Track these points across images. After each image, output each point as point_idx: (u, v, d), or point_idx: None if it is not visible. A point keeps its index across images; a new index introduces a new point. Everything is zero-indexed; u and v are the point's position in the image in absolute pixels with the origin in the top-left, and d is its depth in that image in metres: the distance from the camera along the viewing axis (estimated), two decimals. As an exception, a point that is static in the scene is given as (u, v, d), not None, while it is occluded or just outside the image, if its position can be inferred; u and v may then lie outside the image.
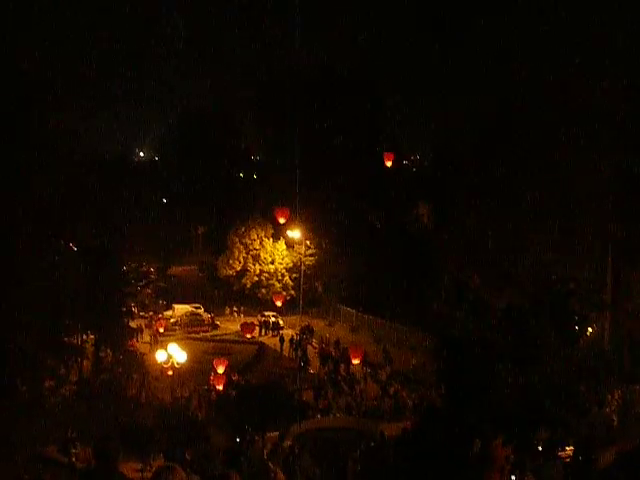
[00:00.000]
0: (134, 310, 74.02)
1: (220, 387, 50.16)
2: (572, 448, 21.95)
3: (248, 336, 70.16)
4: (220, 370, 51.81)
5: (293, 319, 77.54)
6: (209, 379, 54.39)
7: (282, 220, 74.17)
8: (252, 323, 72.76)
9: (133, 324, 67.57)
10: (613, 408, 40.59)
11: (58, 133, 46.52)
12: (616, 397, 42.69)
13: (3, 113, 41.55)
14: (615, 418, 38.85)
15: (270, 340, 73.38)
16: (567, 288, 21.17)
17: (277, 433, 40.90)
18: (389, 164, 67.40)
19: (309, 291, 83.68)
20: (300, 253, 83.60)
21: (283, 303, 76.24)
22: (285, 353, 67.27)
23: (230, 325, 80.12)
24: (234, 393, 48.85)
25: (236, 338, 73.87)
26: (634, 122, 50.93)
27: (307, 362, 62.91)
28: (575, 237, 51.87)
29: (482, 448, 20.35)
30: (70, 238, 53.77)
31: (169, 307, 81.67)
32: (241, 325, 72.18)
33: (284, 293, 78.38)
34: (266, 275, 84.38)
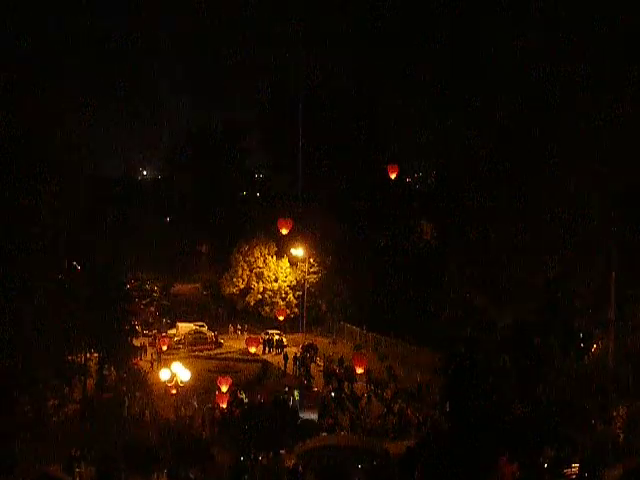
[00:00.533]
0: (138, 328, 73.96)
1: (224, 405, 50.08)
2: (578, 465, 21.93)
3: (252, 350, 70.04)
4: (224, 388, 51.76)
5: (297, 337, 77.50)
6: (213, 397, 54.36)
7: (285, 231, 74.12)
8: (257, 337, 72.71)
9: (137, 342, 67.41)
10: (619, 425, 40.49)
11: (64, 149, 46.64)
12: (621, 414, 42.60)
13: (12, 127, 41.71)
14: (621, 435, 38.74)
15: (274, 358, 73.28)
16: (572, 305, 21.26)
17: (281, 452, 40.89)
18: (393, 176, 67.42)
19: (313, 309, 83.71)
20: (303, 271, 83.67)
21: (285, 318, 76.16)
22: (289, 371, 67.15)
23: (234, 343, 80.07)
24: (238, 411, 48.76)
25: (240, 356, 73.82)
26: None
27: (311, 380, 62.84)
28: (579, 254, 51.80)
29: (488, 465, 20.35)
30: (74, 256, 53.79)
31: (173, 325, 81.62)
32: (246, 339, 72.15)
33: (287, 310, 78.24)
34: (269, 293, 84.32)
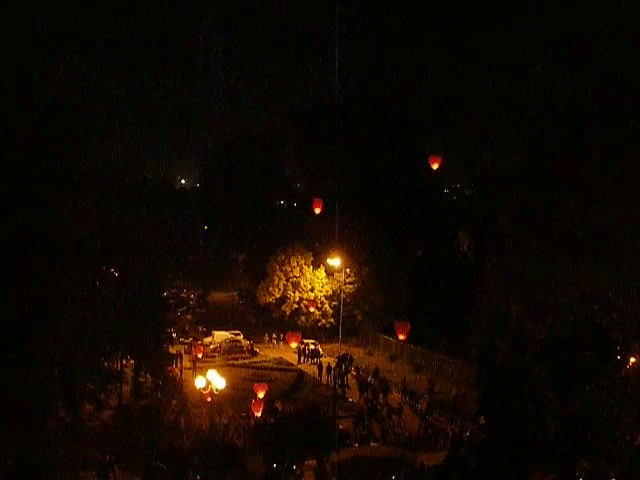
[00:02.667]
0: (174, 336, 74.34)
1: (259, 414, 50.13)
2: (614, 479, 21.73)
3: (293, 345, 69.58)
4: (260, 395, 51.86)
5: (332, 347, 77.49)
6: (248, 406, 54.47)
7: (317, 210, 74.32)
8: (298, 334, 72.51)
9: (172, 350, 67.75)
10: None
11: (103, 162, 47.09)
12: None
13: (49, 142, 42.02)
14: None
15: (309, 367, 73.35)
16: (609, 318, 21.13)
17: (315, 462, 40.90)
18: (435, 167, 66.51)
19: (348, 319, 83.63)
20: (340, 281, 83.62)
21: (299, 343, 74.66)
22: (324, 381, 67.12)
23: (269, 352, 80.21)
24: (273, 420, 48.81)
25: (275, 365, 73.97)
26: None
27: (346, 390, 62.85)
28: (616, 267, 51.52)
29: (522, 478, 20.24)
30: (112, 264, 54.11)
31: (208, 333, 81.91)
32: (288, 335, 71.68)
33: (299, 334, 77.07)
34: (305, 302, 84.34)
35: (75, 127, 43.50)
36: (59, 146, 42.38)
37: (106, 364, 52.10)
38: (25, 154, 40.01)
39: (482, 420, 22.02)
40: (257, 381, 56.62)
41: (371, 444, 48.60)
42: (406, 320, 57.26)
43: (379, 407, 56.81)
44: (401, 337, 55.87)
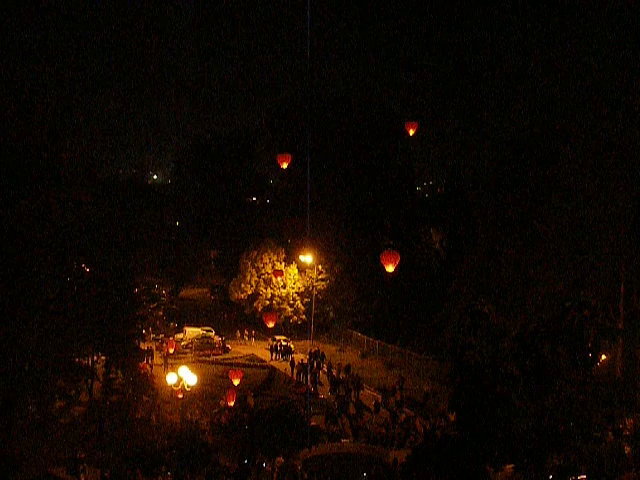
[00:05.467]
0: (145, 332, 74.08)
1: (232, 403, 50.14)
2: (584, 477, 21.90)
3: (270, 325, 69.33)
4: (235, 382, 52.08)
5: (304, 343, 77.55)
6: (219, 402, 54.51)
7: (284, 165, 69.32)
8: (274, 312, 72.45)
9: (144, 346, 67.54)
10: (625, 436, 40.42)
11: (74, 156, 46.70)
12: (628, 425, 42.57)
13: (21, 138, 41.75)
14: (628, 447, 38.65)
15: (281, 364, 73.38)
16: (581, 315, 21.25)
17: (286, 458, 40.92)
18: (412, 132, 65.08)
19: (320, 316, 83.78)
20: (312, 277, 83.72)
21: (275, 324, 75.02)
22: (296, 378, 67.17)
23: (241, 349, 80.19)
24: (245, 416, 48.76)
25: (247, 362, 73.97)
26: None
27: (317, 387, 62.92)
28: (588, 265, 51.88)
29: (493, 473, 20.37)
30: (83, 260, 53.83)
31: (180, 330, 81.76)
32: (264, 314, 71.42)
33: (275, 312, 77.50)
34: (277, 299, 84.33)
35: (49, 120, 43.33)
36: (31, 138, 42.17)
37: (77, 360, 51.80)
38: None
39: (453, 417, 22.08)
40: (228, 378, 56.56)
41: (342, 441, 48.61)
42: (395, 250, 50.52)
43: (351, 403, 56.87)
44: (389, 269, 48.96)
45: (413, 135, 64.42)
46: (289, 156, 67.24)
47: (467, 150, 75.08)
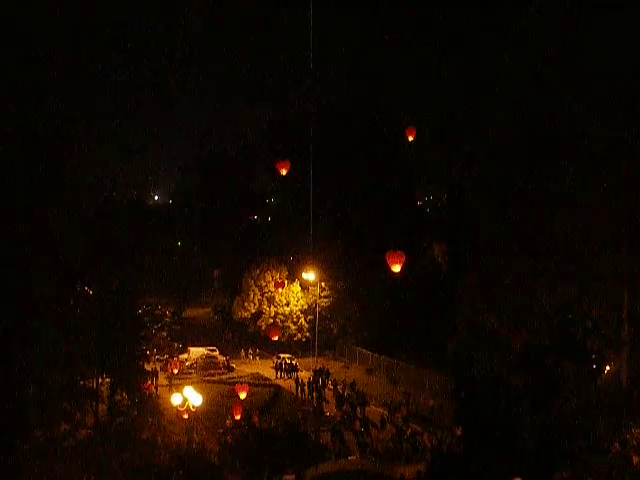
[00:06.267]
0: (149, 353, 73.95)
1: (238, 416, 50.18)
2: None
3: (274, 338, 69.86)
4: (242, 396, 52.31)
5: (309, 361, 77.43)
6: (225, 422, 54.39)
7: (283, 172, 66.96)
8: (276, 324, 72.98)
9: (148, 367, 67.40)
10: (632, 446, 40.24)
11: (77, 177, 46.75)
12: (635, 435, 42.37)
13: (28, 158, 41.84)
14: (635, 457, 38.49)
15: (286, 382, 73.27)
16: (584, 327, 21.23)
17: (293, 476, 40.78)
18: (410, 139, 64.40)
19: (324, 333, 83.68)
20: (315, 295, 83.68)
21: (279, 338, 75.67)
22: (302, 396, 67.03)
23: (245, 368, 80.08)
24: (250, 435, 48.64)
25: (252, 381, 73.76)
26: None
27: (323, 404, 62.75)
28: (592, 276, 51.71)
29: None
30: (87, 282, 53.81)
31: (184, 350, 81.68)
32: (267, 327, 72.16)
33: (279, 326, 78.15)
34: (281, 317, 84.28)
35: (55, 139, 43.43)
36: (40, 160, 42.26)
37: (81, 382, 51.69)
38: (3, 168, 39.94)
39: (459, 431, 22.04)
40: (234, 397, 56.45)
41: (349, 457, 48.44)
42: (399, 250, 48.92)
43: (356, 420, 56.72)
44: (396, 269, 47.77)
45: (413, 141, 64.15)
46: (288, 162, 66.48)
47: (468, 163, 74.60)
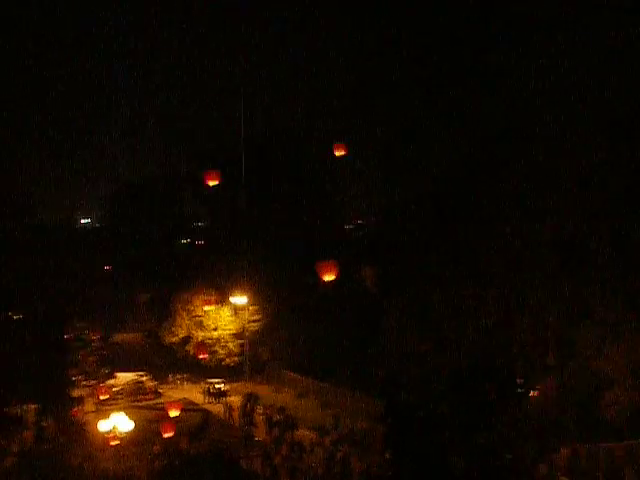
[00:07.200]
0: (76, 379, 73.15)
1: (170, 434, 50.04)
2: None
3: (201, 357, 70.41)
4: (172, 413, 52.58)
5: (238, 386, 77.23)
6: (153, 448, 54.02)
7: (212, 183, 65.37)
8: (204, 343, 73.75)
9: (75, 393, 66.70)
10: (561, 468, 40.95)
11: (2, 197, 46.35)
12: (563, 457, 43.11)
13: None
14: (563, 478, 39.18)
15: (215, 407, 72.99)
16: (509, 353, 21.63)
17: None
18: (339, 154, 63.66)
19: (254, 357, 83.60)
20: (244, 319, 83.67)
21: (208, 362, 76.53)
22: (231, 421, 66.88)
23: (173, 393, 79.46)
24: (179, 462, 48.38)
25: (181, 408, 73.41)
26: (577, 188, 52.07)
27: (253, 429, 62.63)
28: (518, 301, 52.52)
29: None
30: (12, 308, 53.26)
31: (112, 375, 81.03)
32: (195, 345, 76.74)
33: (207, 345, 78.85)
34: (209, 342, 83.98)
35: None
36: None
37: (7, 409, 51.06)
38: None
39: (388, 455, 22.24)
40: (162, 422, 56.12)
41: (279, 483, 48.43)
42: (330, 259, 49.86)
43: (286, 444, 56.69)
44: (330, 278, 48.72)
45: (340, 157, 64.13)
46: (218, 172, 64.97)
47: (395, 186, 75.11)
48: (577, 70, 56.28)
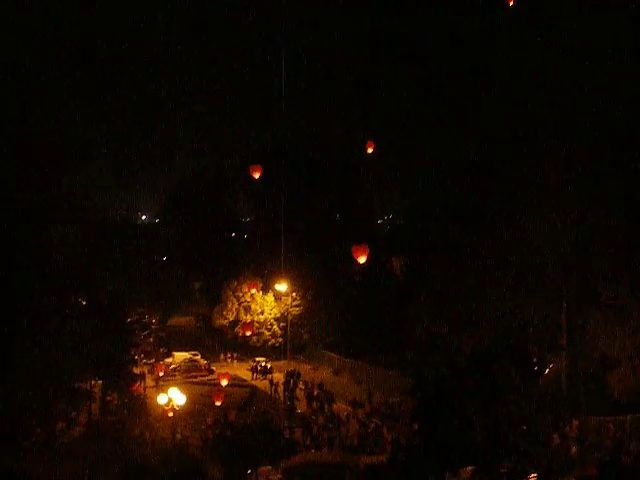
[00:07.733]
0: (137, 358, 73.78)
1: (219, 402, 50.79)
2: (535, 475, 22.06)
3: (248, 334, 74.18)
4: (223, 383, 56.94)
5: (281, 364, 77.50)
6: (206, 420, 54.44)
7: (257, 175, 68.09)
8: (252, 322, 74.19)
9: (137, 370, 67.24)
10: (572, 438, 40.73)
11: (70, 197, 46.65)
12: (574, 428, 42.86)
13: (20, 178, 41.69)
14: (574, 447, 38.95)
15: (261, 383, 73.36)
16: (525, 333, 21.58)
17: (269, 467, 40.81)
18: (370, 150, 64.22)
19: (295, 338, 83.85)
20: (287, 304, 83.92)
21: (252, 333, 77.34)
22: (275, 395, 67.14)
23: (225, 370, 79.94)
24: (229, 431, 48.65)
25: (230, 382, 73.76)
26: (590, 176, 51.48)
27: (295, 403, 62.84)
28: (533, 285, 52.22)
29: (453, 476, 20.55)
30: (80, 294, 53.65)
31: (169, 354, 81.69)
32: (242, 325, 77.19)
33: (252, 324, 79.42)
34: (256, 325, 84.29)
35: (50, 162, 43.31)
36: (33, 181, 42.11)
37: (76, 385, 51.52)
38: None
39: (416, 426, 22.25)
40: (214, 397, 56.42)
41: (318, 450, 48.51)
42: (363, 243, 51.00)
43: (324, 416, 56.85)
44: (362, 260, 50.10)
45: (372, 153, 64.43)
46: (260, 167, 66.43)
47: (424, 180, 75.03)
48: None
